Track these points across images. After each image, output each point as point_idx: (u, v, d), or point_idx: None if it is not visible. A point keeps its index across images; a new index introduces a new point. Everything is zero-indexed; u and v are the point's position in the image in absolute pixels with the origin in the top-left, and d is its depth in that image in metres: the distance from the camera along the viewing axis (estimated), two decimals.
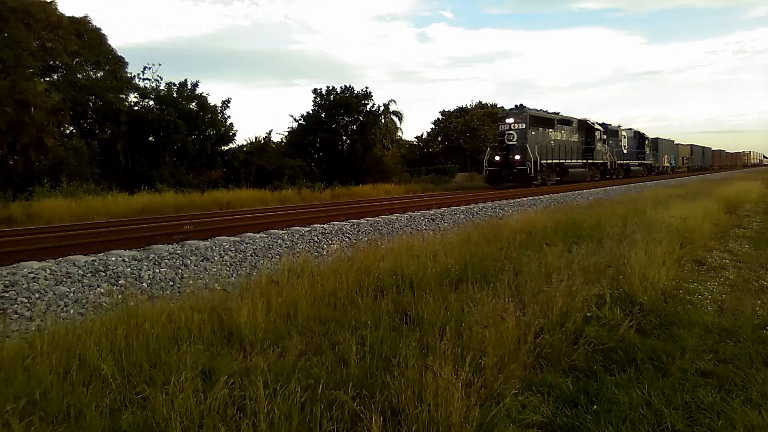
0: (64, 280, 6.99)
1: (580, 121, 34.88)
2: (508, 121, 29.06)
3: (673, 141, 60.27)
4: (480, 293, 5.13)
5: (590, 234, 9.45)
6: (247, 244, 9.59)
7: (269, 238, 10.21)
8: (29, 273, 6.93)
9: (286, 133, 37.67)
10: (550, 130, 30.70)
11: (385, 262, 6.70)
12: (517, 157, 28.00)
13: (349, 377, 3.57)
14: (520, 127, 28.58)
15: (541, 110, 31.08)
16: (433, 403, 3.10)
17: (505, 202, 19.34)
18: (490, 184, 29.03)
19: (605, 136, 38.24)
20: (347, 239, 11.14)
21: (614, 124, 41.53)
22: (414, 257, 6.90)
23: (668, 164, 56.71)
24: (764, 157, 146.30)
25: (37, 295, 6.43)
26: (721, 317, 5.47)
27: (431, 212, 15.31)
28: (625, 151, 42.69)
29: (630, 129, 45.01)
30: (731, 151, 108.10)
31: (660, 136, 53.82)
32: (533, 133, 28.82)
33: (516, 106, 29.67)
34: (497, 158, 28.99)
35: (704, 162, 77.10)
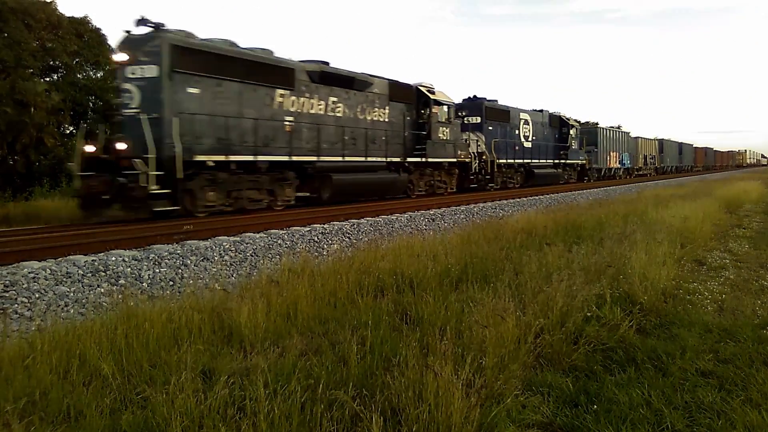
0: (64, 280, 6.98)
1: (402, 86, 18.46)
2: (117, 57, 12.05)
3: (629, 133, 46.09)
4: (480, 293, 5.14)
5: (590, 234, 9.46)
6: (247, 244, 9.58)
7: (269, 238, 10.20)
8: (29, 273, 6.91)
9: None
10: (312, 94, 14.96)
11: (385, 262, 6.71)
12: (121, 145, 11.44)
13: (350, 377, 3.57)
14: (149, 75, 11.59)
15: (266, 49, 14.50)
16: (433, 403, 3.10)
17: (505, 202, 19.36)
18: (84, 211, 11.67)
19: (469, 119, 23.01)
20: (347, 239, 11.14)
21: (519, 104, 27.92)
22: (414, 257, 6.91)
23: (618, 164, 41.54)
24: (762, 156, 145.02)
25: (37, 295, 6.42)
26: (721, 317, 5.48)
27: (431, 212, 15.30)
28: (527, 145, 27.20)
29: (541, 111, 30.04)
30: (722, 150, 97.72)
31: (604, 126, 41.71)
32: (219, 87, 12.65)
33: (138, 18, 11.89)
34: (90, 150, 11.77)
35: (682, 162, 61.66)
